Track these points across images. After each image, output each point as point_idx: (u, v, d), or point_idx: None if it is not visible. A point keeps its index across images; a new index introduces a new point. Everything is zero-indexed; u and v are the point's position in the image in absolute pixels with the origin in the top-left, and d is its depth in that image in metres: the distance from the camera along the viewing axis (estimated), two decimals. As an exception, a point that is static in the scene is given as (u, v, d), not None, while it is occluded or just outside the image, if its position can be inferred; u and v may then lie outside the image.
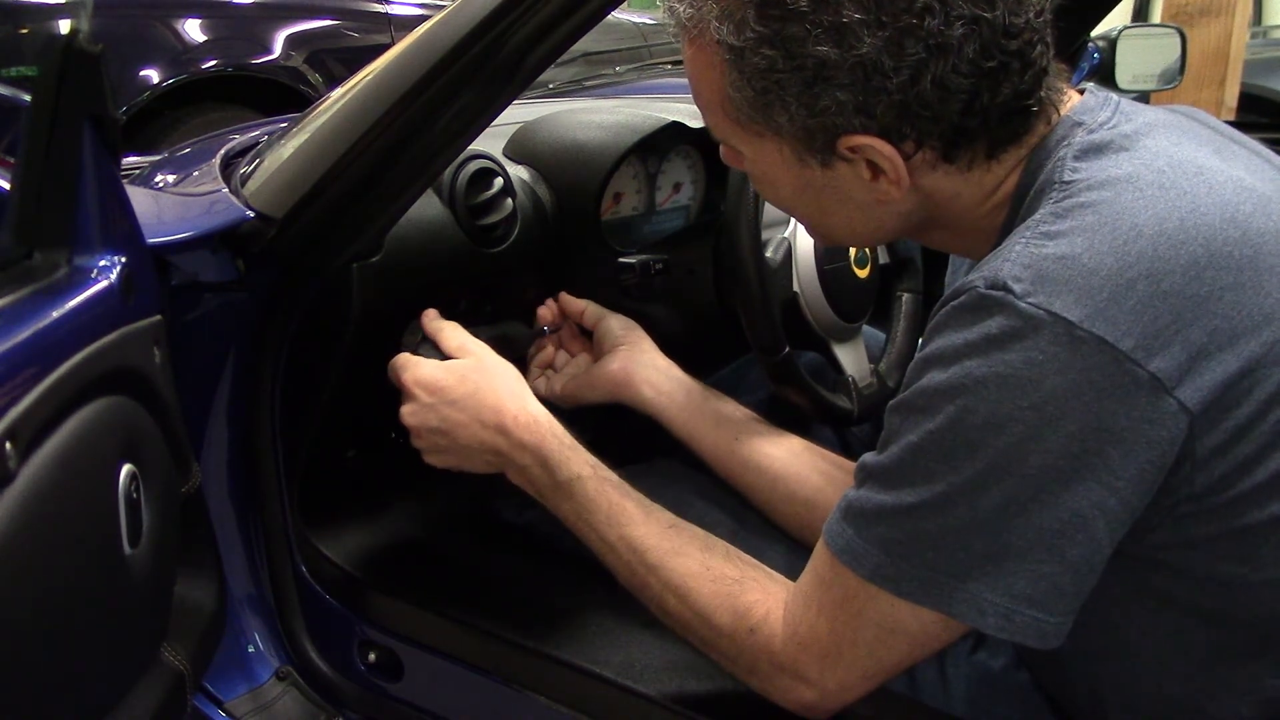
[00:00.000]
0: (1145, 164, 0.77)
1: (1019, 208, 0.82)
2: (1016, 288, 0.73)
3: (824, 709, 0.88)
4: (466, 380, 1.07)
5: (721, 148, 0.94)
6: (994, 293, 0.74)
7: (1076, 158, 0.79)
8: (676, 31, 0.86)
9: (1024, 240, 0.76)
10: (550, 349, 1.33)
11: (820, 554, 0.86)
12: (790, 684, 0.88)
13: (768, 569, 0.95)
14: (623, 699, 1.06)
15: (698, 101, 0.89)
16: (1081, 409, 0.72)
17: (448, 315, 1.25)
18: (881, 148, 0.80)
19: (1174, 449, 0.73)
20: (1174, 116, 0.87)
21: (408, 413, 1.08)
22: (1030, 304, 0.72)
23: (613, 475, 1.03)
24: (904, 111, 0.78)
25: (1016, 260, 0.75)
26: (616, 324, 1.29)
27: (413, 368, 1.09)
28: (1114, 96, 0.86)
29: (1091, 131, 0.81)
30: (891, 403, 0.82)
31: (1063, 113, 0.84)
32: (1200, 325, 0.72)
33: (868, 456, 0.84)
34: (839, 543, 0.83)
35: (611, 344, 1.27)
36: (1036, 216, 0.77)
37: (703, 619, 0.93)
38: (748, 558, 0.96)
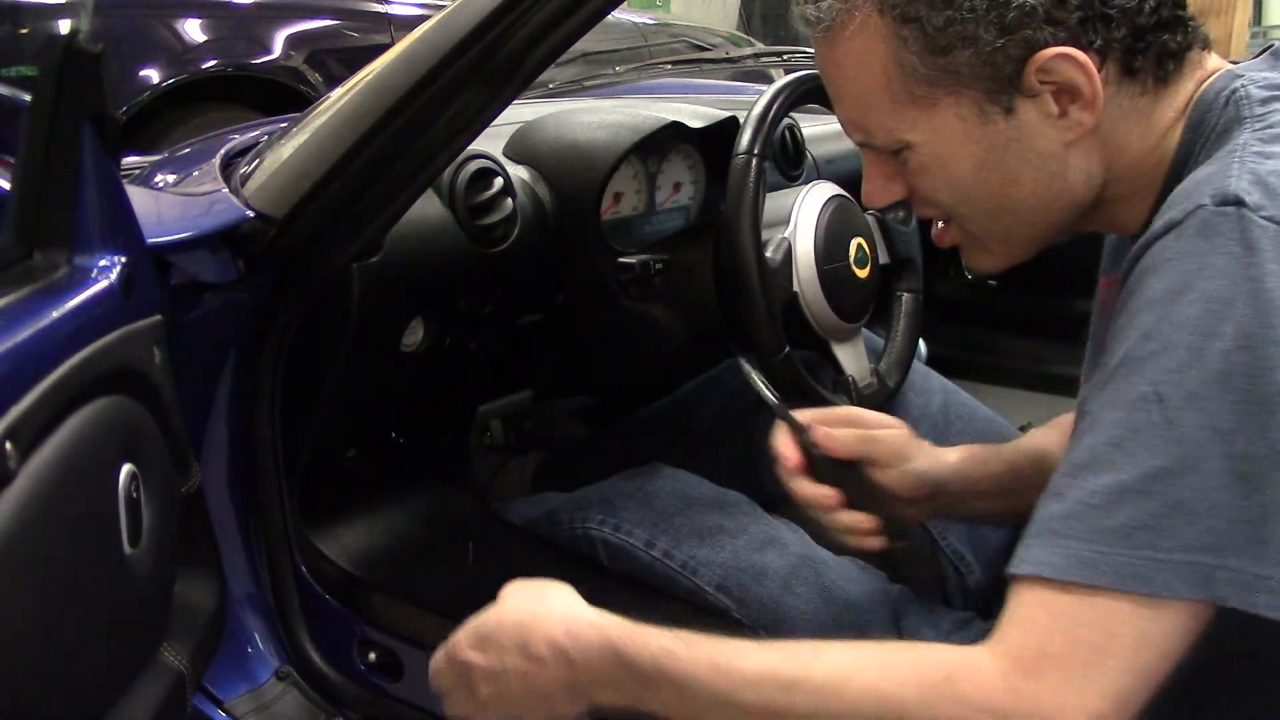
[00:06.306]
0: None
1: (1189, 156, 0.81)
2: (1249, 199, 0.70)
3: None
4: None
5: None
6: (1227, 209, 0.70)
7: (1263, 102, 0.78)
8: (818, 32, 0.82)
9: (1237, 160, 0.73)
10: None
11: (1032, 596, 0.72)
12: None
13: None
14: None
15: (851, 109, 0.86)
16: None
17: (448, 315, 1.25)
18: (1076, 55, 0.78)
19: None
20: None
21: None
22: (1265, 217, 0.70)
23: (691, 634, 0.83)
24: (1089, 11, 0.78)
25: (1240, 175, 0.72)
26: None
27: None
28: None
29: (1256, 80, 0.80)
30: (1096, 377, 0.74)
31: (1219, 67, 0.84)
32: None
33: (1064, 465, 0.73)
34: (1060, 562, 0.70)
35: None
36: (1239, 142, 0.75)
37: (874, 694, 0.75)
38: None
